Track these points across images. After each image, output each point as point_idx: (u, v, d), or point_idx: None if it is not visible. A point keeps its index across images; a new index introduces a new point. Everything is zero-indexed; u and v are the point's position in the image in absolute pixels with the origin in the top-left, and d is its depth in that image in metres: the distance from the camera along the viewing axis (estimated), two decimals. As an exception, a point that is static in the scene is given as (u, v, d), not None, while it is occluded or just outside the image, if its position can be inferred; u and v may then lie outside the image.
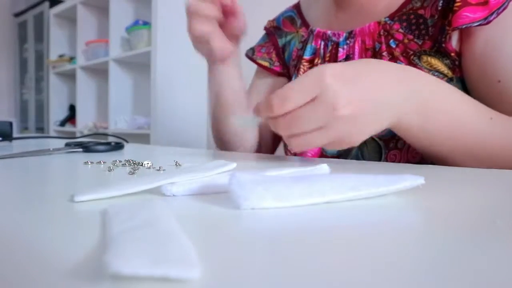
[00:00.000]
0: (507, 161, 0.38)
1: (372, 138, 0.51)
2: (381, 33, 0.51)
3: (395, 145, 0.50)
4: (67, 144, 0.52)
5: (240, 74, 0.59)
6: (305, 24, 0.64)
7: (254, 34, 0.76)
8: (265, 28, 0.71)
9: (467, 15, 0.43)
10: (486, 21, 0.42)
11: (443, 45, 0.46)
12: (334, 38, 0.57)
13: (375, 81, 0.35)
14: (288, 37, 0.66)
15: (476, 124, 0.38)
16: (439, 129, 0.38)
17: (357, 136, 0.35)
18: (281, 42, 0.67)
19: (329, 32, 0.57)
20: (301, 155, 0.57)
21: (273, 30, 0.69)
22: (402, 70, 0.37)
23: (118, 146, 0.53)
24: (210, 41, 0.50)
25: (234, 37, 0.55)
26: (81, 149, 0.49)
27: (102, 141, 0.54)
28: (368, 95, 0.34)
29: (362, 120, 0.34)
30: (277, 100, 0.33)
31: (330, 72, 0.33)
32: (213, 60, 0.55)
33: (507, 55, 0.43)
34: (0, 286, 0.10)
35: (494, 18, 0.42)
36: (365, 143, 0.52)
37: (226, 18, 0.52)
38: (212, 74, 0.58)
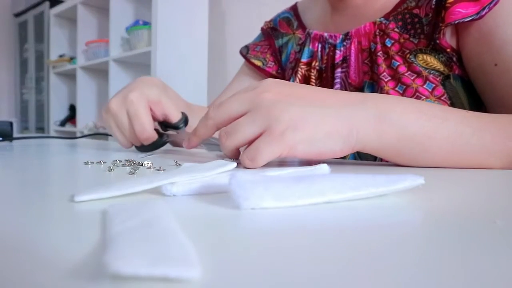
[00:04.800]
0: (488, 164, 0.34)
1: None
2: (377, 33, 0.52)
3: None
4: None
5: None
6: (301, 26, 0.64)
7: (254, 36, 0.76)
8: (262, 29, 0.71)
9: (460, 11, 0.44)
10: (478, 15, 0.43)
11: (438, 41, 0.47)
12: (331, 41, 0.57)
13: (316, 95, 0.32)
14: (285, 39, 0.66)
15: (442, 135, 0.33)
16: (394, 143, 0.33)
17: (288, 128, 0.29)
18: (277, 43, 0.67)
19: (325, 34, 0.58)
20: None
21: (270, 31, 0.69)
22: (352, 93, 0.34)
23: None
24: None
25: None
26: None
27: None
28: (303, 96, 0.32)
29: (291, 108, 0.30)
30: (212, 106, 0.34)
31: (267, 90, 0.32)
32: None
33: (500, 37, 0.43)
34: (0, 286, 0.10)
35: (486, 12, 0.43)
36: None
37: None
38: None
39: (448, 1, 0.45)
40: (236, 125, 0.32)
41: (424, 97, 0.47)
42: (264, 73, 0.68)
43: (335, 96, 0.33)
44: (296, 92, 0.32)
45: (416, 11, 0.50)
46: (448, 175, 0.31)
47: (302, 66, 0.60)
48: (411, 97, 0.47)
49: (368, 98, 0.33)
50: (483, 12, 0.43)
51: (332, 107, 0.31)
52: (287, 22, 0.67)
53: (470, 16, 0.43)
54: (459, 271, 0.11)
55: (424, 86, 0.47)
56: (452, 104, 0.47)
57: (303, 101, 0.31)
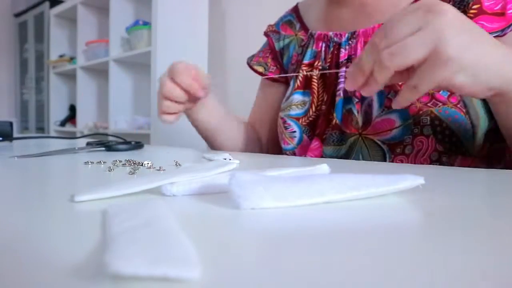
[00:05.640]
0: None
1: (374, 142, 0.49)
2: None
3: (403, 150, 0.47)
4: (88, 144, 0.54)
5: (216, 113, 0.64)
6: (303, 27, 0.64)
7: (255, 39, 0.76)
8: (265, 33, 0.71)
9: (484, 24, 0.42)
10: (503, 33, 0.42)
11: None
12: (336, 39, 0.56)
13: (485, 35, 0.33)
14: (286, 40, 0.66)
15: None
16: None
17: (455, 47, 0.30)
18: (278, 45, 0.67)
19: (330, 33, 0.57)
20: (302, 155, 0.57)
21: (271, 34, 0.68)
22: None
23: (139, 145, 0.55)
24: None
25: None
26: (103, 148, 0.51)
27: (122, 140, 0.56)
28: (476, 32, 0.32)
29: (462, 31, 0.30)
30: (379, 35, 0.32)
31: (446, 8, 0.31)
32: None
33: None
34: (1, 286, 0.10)
35: (510, 30, 0.42)
36: (367, 147, 0.50)
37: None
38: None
39: (471, 11, 0.43)
40: (404, 45, 0.31)
41: (440, 103, 0.45)
42: (267, 78, 0.68)
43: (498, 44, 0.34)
44: (470, 22, 0.33)
45: None
46: (448, 175, 0.31)
47: (304, 68, 0.59)
48: (427, 102, 0.45)
49: None
50: (508, 30, 0.42)
51: (496, 49, 0.33)
52: (289, 25, 0.66)
53: (495, 32, 0.42)
54: (459, 270, 0.11)
55: (440, 93, 0.46)
56: (468, 113, 0.46)
57: (471, 33, 0.32)
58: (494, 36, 0.42)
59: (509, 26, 0.42)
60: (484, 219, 0.17)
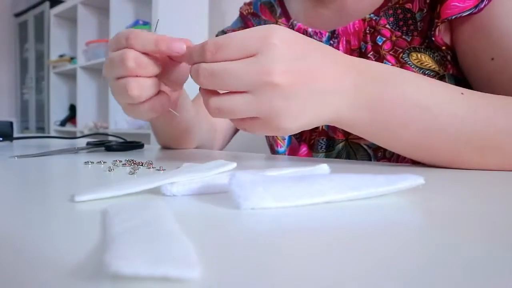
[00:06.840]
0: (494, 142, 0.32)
1: (361, 147, 0.50)
2: (367, 31, 0.48)
3: (383, 154, 0.48)
4: (88, 144, 0.54)
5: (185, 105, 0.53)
6: (285, 15, 0.60)
7: (232, 18, 0.73)
8: (241, 13, 0.66)
9: (456, 4, 0.41)
10: (477, 8, 0.40)
11: (433, 38, 0.44)
12: (316, 38, 0.53)
13: (323, 64, 0.31)
14: None
15: (446, 105, 0.33)
16: (392, 120, 0.33)
17: (286, 120, 0.30)
18: None
19: (310, 30, 0.54)
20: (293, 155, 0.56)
21: (250, 17, 0.64)
22: (357, 60, 0.34)
23: (139, 145, 0.55)
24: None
25: (175, 83, 0.43)
26: (103, 148, 0.51)
27: (121, 140, 0.56)
28: (311, 75, 0.30)
29: (296, 100, 0.30)
30: (213, 46, 0.29)
31: (280, 34, 0.29)
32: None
33: (497, 29, 0.41)
34: (1, 286, 0.10)
35: (485, 5, 0.40)
36: (353, 151, 0.50)
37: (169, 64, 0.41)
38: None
39: None
40: (232, 102, 0.30)
41: None
42: None
43: (338, 79, 0.32)
44: (307, 69, 0.30)
45: (408, 5, 0.46)
46: (448, 175, 0.31)
47: None
48: None
49: (367, 81, 0.33)
50: (482, 5, 0.40)
51: (327, 94, 0.31)
52: (269, 8, 0.62)
53: (469, 10, 0.40)
54: (458, 270, 0.11)
55: None
56: None
57: (307, 86, 0.30)
58: (468, 15, 0.40)
59: (482, 1, 0.40)
60: (484, 219, 0.17)
